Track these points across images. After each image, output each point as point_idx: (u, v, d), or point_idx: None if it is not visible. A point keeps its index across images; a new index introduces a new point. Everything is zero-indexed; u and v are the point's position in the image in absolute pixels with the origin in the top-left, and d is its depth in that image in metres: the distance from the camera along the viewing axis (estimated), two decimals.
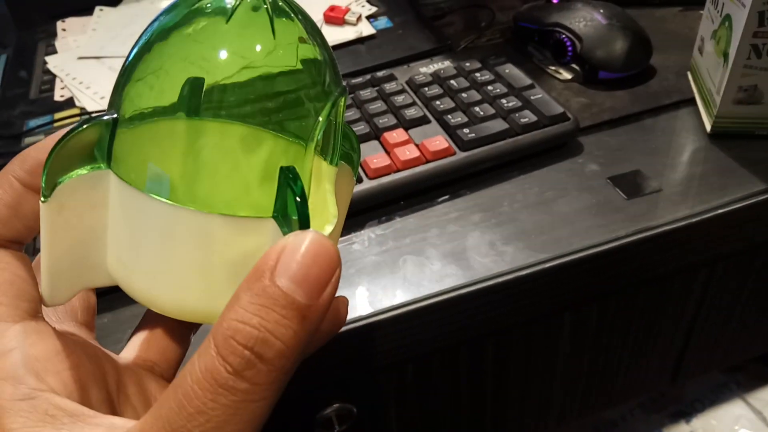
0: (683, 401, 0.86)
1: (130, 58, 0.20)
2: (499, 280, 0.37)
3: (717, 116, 0.45)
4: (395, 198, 0.43)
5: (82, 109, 0.56)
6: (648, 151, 0.45)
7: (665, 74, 0.52)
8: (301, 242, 0.16)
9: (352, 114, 0.47)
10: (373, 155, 0.43)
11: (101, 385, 0.20)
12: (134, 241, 0.19)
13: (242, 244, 0.19)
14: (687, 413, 0.85)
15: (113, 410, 0.20)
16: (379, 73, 0.52)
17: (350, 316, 0.36)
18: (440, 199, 0.43)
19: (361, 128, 0.46)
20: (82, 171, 0.18)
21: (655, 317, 0.48)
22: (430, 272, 0.38)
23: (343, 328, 0.35)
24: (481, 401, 0.48)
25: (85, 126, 0.18)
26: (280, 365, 0.16)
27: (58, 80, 0.61)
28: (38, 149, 0.20)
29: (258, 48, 0.19)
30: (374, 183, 0.42)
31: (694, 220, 0.40)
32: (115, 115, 0.19)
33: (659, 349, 0.52)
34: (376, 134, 0.46)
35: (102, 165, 0.19)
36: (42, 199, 0.18)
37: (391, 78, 0.52)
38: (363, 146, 0.45)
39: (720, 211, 0.40)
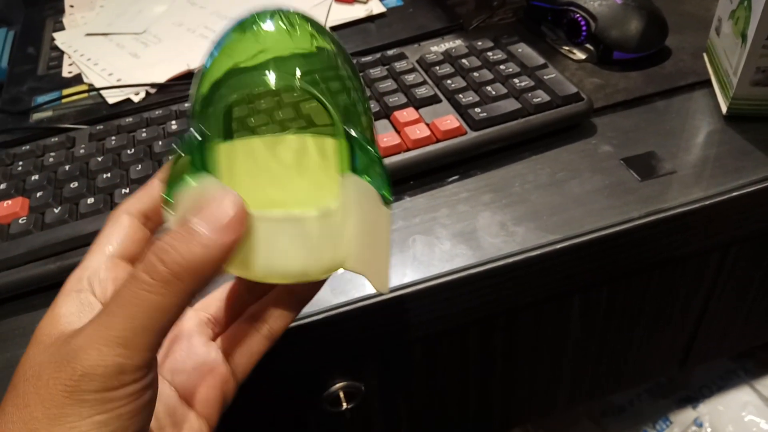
0: (690, 387, 0.86)
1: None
2: (510, 260, 0.37)
3: (733, 98, 0.44)
4: (405, 177, 0.43)
5: (90, 85, 0.56)
6: (662, 133, 0.44)
7: (681, 55, 0.51)
8: (213, 191, 0.23)
9: None
10: (383, 134, 0.43)
11: None
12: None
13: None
14: (694, 399, 0.85)
15: None
16: (390, 52, 0.51)
17: (359, 294, 0.36)
18: (450, 179, 0.42)
19: (371, 106, 0.45)
20: (184, 183, 0.23)
21: (666, 301, 0.48)
22: (439, 252, 0.38)
23: (352, 306, 0.35)
24: (489, 382, 0.48)
25: (181, 152, 0.23)
26: (175, 270, 0.22)
27: (65, 57, 0.61)
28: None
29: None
30: (384, 162, 0.41)
31: (708, 202, 0.39)
32: (200, 138, 0.24)
33: (669, 334, 0.52)
34: (386, 113, 0.45)
35: (199, 170, 0.24)
36: (165, 209, 0.24)
37: (401, 57, 0.51)
38: None
39: (735, 193, 0.40)
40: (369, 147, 0.24)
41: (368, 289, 0.36)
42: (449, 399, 0.49)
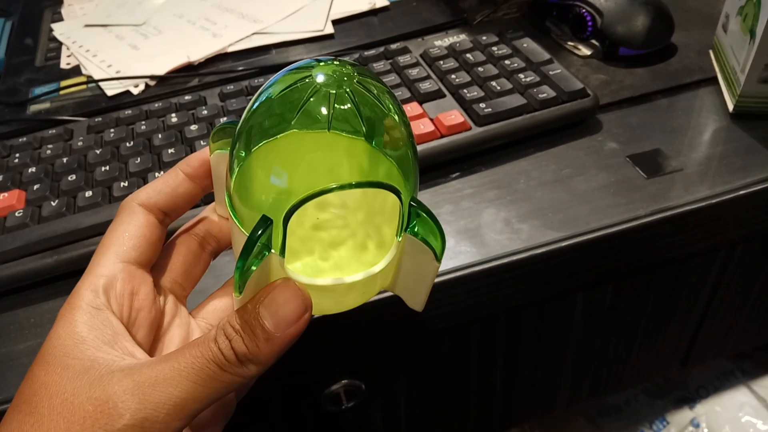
0: (688, 387, 0.86)
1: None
2: (514, 258, 0.36)
3: (741, 95, 0.43)
4: None
5: (89, 77, 0.55)
6: (668, 130, 0.44)
7: (687, 52, 0.51)
8: (285, 287, 0.23)
9: None
10: None
11: (150, 328, 0.26)
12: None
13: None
14: (691, 399, 0.85)
15: (148, 348, 0.26)
16: (393, 46, 0.51)
17: None
18: (454, 175, 0.42)
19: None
20: (256, 263, 0.23)
21: (669, 300, 0.47)
22: None
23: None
24: (490, 380, 0.48)
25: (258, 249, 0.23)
26: (242, 360, 0.22)
27: (64, 48, 0.60)
28: (198, 153, 0.28)
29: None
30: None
31: (714, 201, 0.39)
32: (270, 222, 0.23)
33: (672, 333, 0.51)
34: None
35: (266, 253, 0.23)
36: (235, 294, 0.23)
37: (404, 51, 0.50)
38: None
39: (741, 192, 0.39)
40: (430, 215, 0.25)
41: None
42: (450, 398, 0.48)
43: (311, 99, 0.24)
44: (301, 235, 0.27)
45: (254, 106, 0.25)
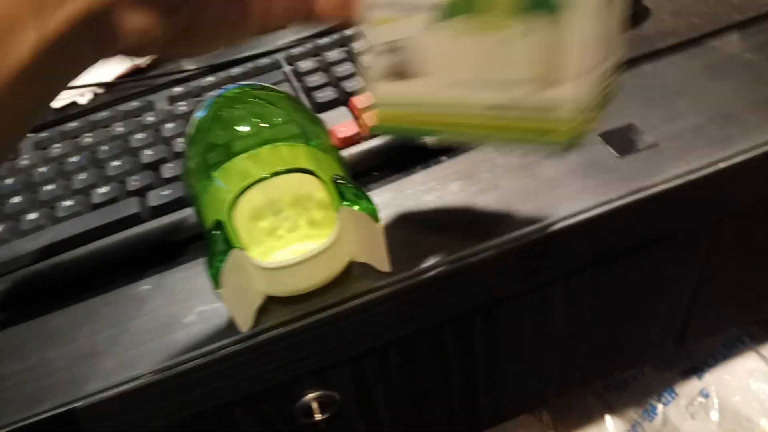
0: (695, 357, 0.84)
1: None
2: (483, 255, 0.34)
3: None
4: (367, 169, 0.40)
5: None
6: (642, 102, 0.41)
7: (661, 15, 0.48)
8: None
9: (318, 78, 0.44)
10: (340, 123, 0.39)
11: None
12: None
13: None
14: (699, 369, 0.83)
15: None
16: (349, 32, 0.48)
17: (325, 302, 0.33)
18: (417, 168, 0.39)
19: (327, 93, 0.42)
20: (220, 260, 0.28)
21: (656, 281, 0.45)
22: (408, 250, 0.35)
23: (318, 315, 0.33)
24: (472, 379, 0.46)
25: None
26: None
27: None
28: None
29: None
30: (343, 153, 0.38)
31: (694, 177, 0.36)
32: (222, 223, 0.30)
33: (663, 313, 0.49)
34: (344, 99, 0.42)
35: (229, 250, 0.28)
36: (216, 289, 0.28)
37: (362, 37, 0.48)
38: (330, 113, 0.41)
39: (722, 165, 0.36)
40: (353, 186, 0.31)
41: (333, 295, 0.33)
42: (433, 398, 0.46)
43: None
44: (257, 235, 0.32)
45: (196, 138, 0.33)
